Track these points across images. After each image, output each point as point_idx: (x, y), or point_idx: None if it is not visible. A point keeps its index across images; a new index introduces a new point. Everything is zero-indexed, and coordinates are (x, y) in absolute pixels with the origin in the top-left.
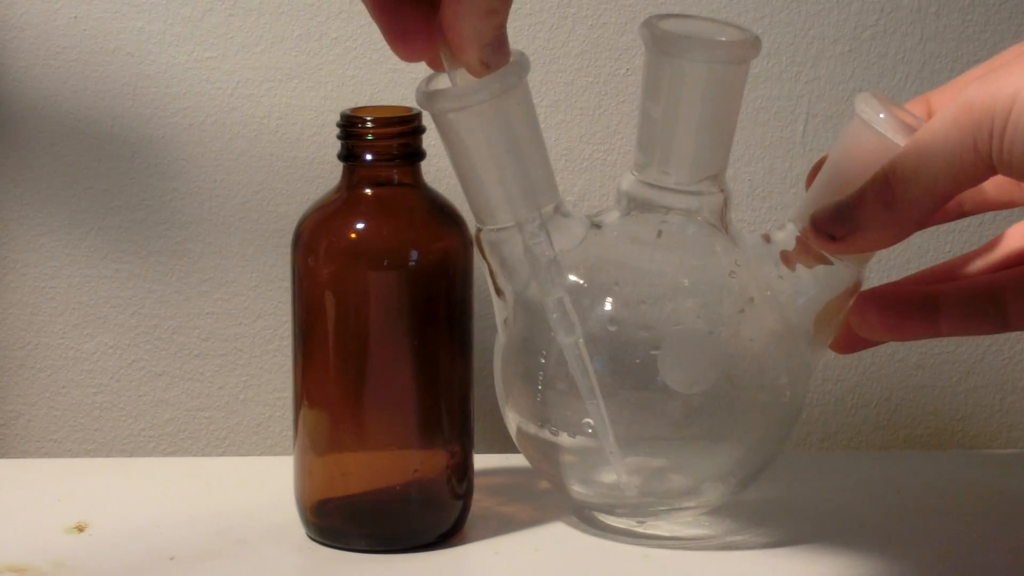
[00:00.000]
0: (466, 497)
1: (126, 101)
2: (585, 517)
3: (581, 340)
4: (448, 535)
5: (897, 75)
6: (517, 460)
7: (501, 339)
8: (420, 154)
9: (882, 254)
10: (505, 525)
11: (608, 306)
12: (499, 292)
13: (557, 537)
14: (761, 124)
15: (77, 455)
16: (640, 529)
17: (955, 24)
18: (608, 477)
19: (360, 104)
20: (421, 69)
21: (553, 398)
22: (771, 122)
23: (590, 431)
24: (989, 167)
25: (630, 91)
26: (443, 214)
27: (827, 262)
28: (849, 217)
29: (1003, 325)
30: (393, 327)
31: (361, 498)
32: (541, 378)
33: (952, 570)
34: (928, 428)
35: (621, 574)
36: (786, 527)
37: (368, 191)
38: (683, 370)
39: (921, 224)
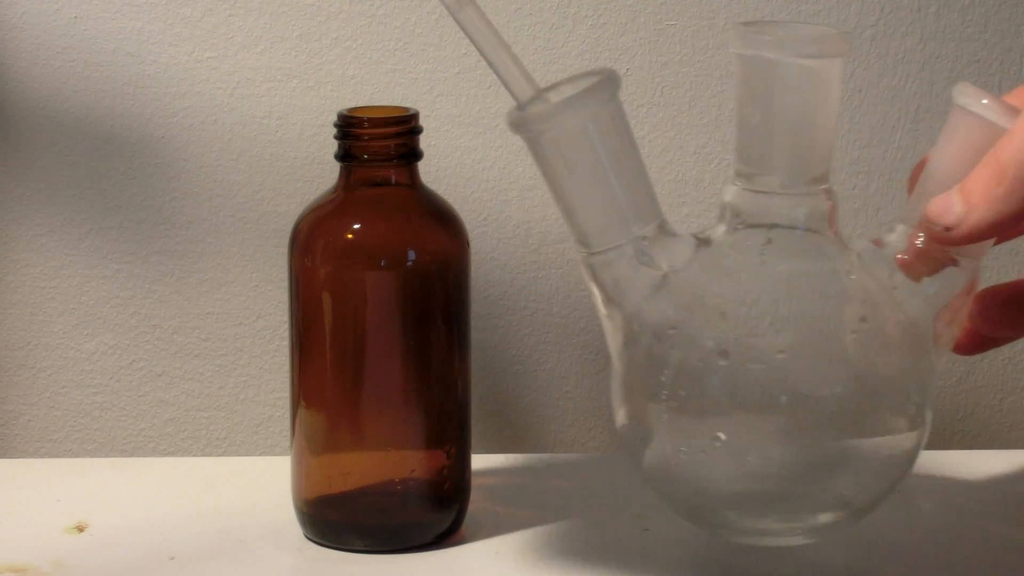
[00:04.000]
0: (464, 498)
1: (126, 101)
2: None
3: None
4: (446, 535)
5: (897, 75)
6: (516, 460)
7: (617, 365)
8: (417, 154)
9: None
10: (504, 525)
11: (725, 321)
12: (608, 317)
13: (557, 537)
14: None
15: (77, 455)
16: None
17: (955, 24)
18: (727, 494)
19: (360, 104)
20: (420, 69)
21: (677, 416)
22: None
23: (718, 444)
24: None
25: (630, 91)
26: (440, 214)
27: (949, 263)
28: (963, 204)
29: None
30: (390, 327)
31: (358, 498)
32: (664, 396)
33: (952, 570)
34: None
35: (621, 574)
36: None
37: (365, 191)
38: (813, 370)
39: None
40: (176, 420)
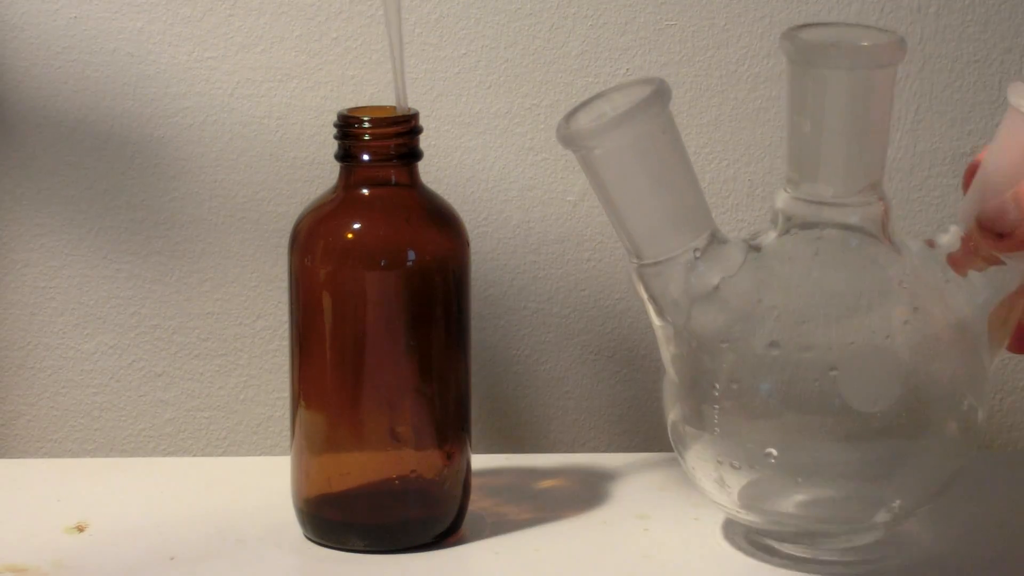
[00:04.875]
0: (464, 497)
1: (126, 101)
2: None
3: None
4: (446, 535)
5: (897, 75)
6: (516, 460)
7: (671, 374)
8: (417, 154)
9: None
10: (504, 525)
11: (773, 328)
12: (660, 326)
13: (557, 537)
14: (761, 124)
15: (77, 455)
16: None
17: (955, 24)
18: (780, 507)
19: (360, 104)
20: (420, 69)
21: (729, 430)
22: (771, 122)
23: (772, 460)
24: None
25: None
26: (440, 214)
27: (998, 262)
28: (1018, 210)
29: None
30: (390, 327)
31: (358, 498)
32: (717, 410)
33: (952, 570)
34: None
35: (621, 574)
36: None
37: (365, 191)
38: (865, 387)
39: None
40: (176, 420)
